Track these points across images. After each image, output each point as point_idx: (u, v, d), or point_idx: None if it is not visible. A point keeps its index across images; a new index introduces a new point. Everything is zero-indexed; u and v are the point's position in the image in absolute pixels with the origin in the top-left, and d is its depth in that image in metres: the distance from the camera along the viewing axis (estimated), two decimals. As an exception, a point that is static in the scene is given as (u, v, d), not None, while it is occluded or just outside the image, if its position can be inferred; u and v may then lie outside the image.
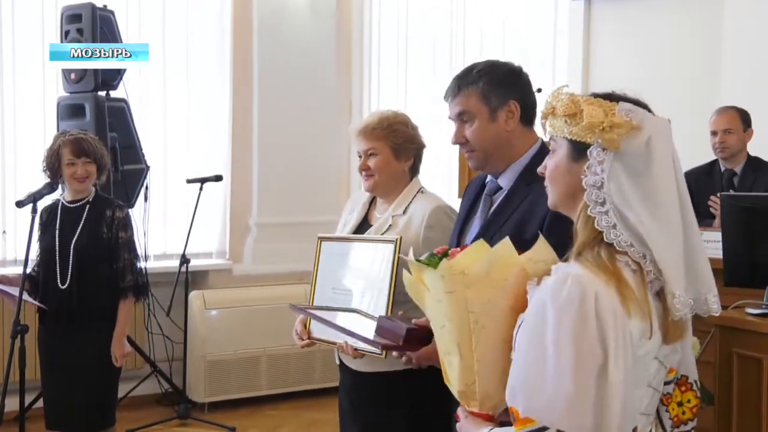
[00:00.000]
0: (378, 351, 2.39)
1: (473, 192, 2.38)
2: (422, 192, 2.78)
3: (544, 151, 2.06)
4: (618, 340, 1.47)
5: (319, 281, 2.73)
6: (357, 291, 2.60)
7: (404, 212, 2.71)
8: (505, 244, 1.73)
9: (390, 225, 2.71)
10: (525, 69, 2.30)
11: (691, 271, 1.59)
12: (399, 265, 2.43)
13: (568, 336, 1.47)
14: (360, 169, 2.78)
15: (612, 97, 1.60)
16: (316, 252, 2.77)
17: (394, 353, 2.27)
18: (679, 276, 1.56)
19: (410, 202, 2.74)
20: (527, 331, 1.55)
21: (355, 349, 2.49)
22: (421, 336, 2.11)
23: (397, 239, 2.51)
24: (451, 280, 1.69)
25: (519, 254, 1.73)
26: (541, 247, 1.74)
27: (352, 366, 2.67)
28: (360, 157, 2.78)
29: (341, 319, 2.49)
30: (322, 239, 2.79)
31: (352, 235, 2.79)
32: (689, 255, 1.59)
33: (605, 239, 1.55)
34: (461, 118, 2.23)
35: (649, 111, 1.62)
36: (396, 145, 2.73)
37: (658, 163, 1.55)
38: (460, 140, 2.25)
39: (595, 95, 1.61)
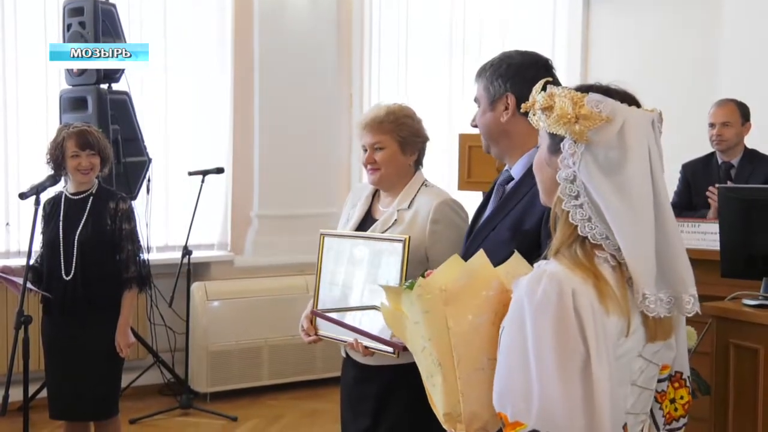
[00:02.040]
0: (391, 351, 2.36)
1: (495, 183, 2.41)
2: (426, 185, 2.76)
3: None
4: (599, 337, 1.45)
5: (323, 279, 2.69)
6: (366, 290, 2.55)
7: (409, 206, 2.69)
8: (480, 256, 1.71)
9: (395, 220, 2.68)
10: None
11: (666, 269, 1.54)
12: (408, 265, 2.41)
13: (549, 335, 1.44)
14: (365, 162, 2.74)
15: (592, 89, 1.56)
16: (318, 248, 2.71)
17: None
18: (647, 273, 1.51)
19: (415, 195, 2.71)
20: (507, 332, 1.53)
21: (366, 348, 2.47)
22: None
23: (405, 239, 2.45)
24: (428, 298, 1.67)
25: (513, 256, 1.72)
26: (517, 262, 1.72)
27: (361, 360, 2.63)
28: (365, 150, 2.75)
29: (362, 318, 2.47)
30: (324, 235, 2.73)
31: (356, 232, 2.74)
32: (664, 252, 1.54)
33: (580, 233, 1.52)
34: (476, 103, 2.34)
35: (635, 103, 1.57)
36: (402, 138, 2.71)
37: (631, 155, 1.51)
38: (473, 124, 2.36)
39: (578, 88, 1.57)
